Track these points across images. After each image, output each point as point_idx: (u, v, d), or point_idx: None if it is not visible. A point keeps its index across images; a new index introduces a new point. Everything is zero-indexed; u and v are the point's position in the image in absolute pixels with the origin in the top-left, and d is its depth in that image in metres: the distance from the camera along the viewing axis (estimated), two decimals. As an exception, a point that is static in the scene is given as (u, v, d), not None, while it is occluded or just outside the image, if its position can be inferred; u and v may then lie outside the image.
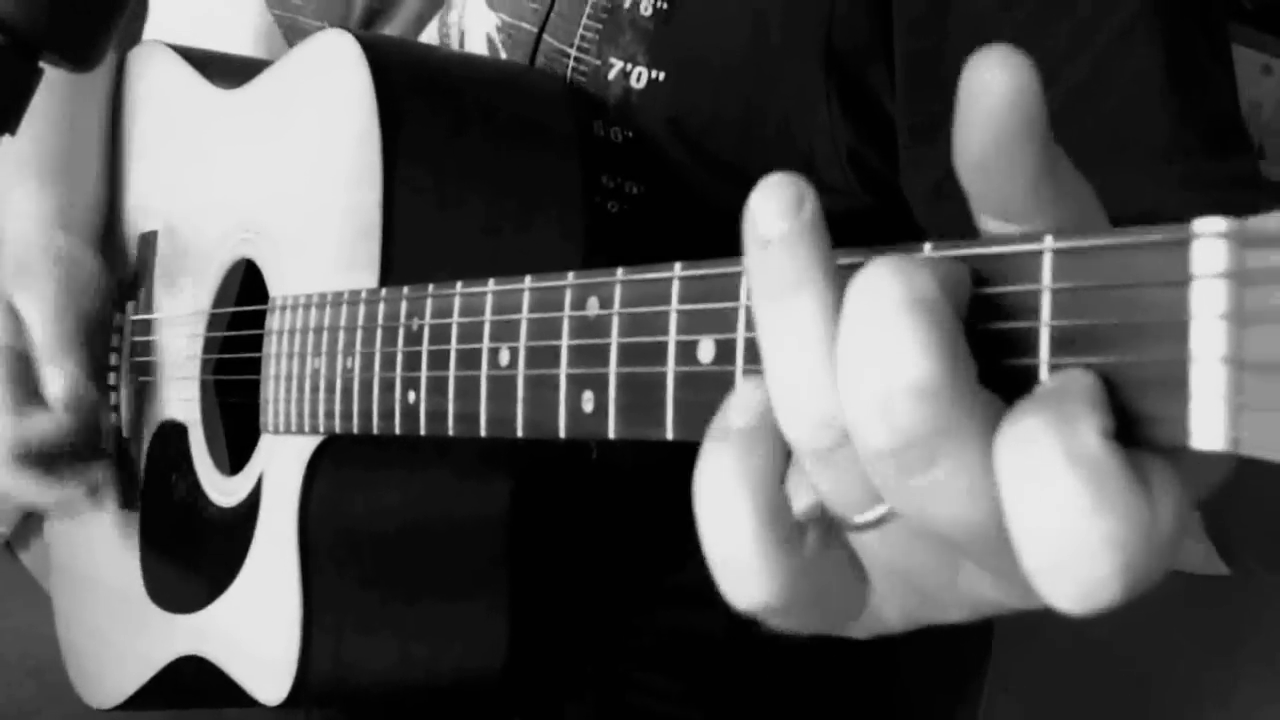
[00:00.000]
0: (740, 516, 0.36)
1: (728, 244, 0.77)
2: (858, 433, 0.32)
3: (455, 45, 0.84)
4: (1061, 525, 0.29)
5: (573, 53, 0.76)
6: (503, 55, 0.81)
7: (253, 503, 0.75)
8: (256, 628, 0.75)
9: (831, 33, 0.70)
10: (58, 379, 0.88)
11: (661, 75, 0.74)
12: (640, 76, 0.74)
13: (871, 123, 0.72)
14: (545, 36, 0.78)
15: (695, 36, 0.73)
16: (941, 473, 0.32)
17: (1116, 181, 0.64)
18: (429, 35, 0.87)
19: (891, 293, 0.32)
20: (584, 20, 0.76)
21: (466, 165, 0.71)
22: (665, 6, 0.74)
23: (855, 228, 0.76)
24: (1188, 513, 0.30)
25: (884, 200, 0.75)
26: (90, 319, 0.91)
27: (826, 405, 0.34)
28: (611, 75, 0.75)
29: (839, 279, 0.34)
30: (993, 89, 0.32)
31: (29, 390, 0.89)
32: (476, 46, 0.83)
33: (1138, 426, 0.31)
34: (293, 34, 0.95)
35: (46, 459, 0.88)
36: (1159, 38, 0.64)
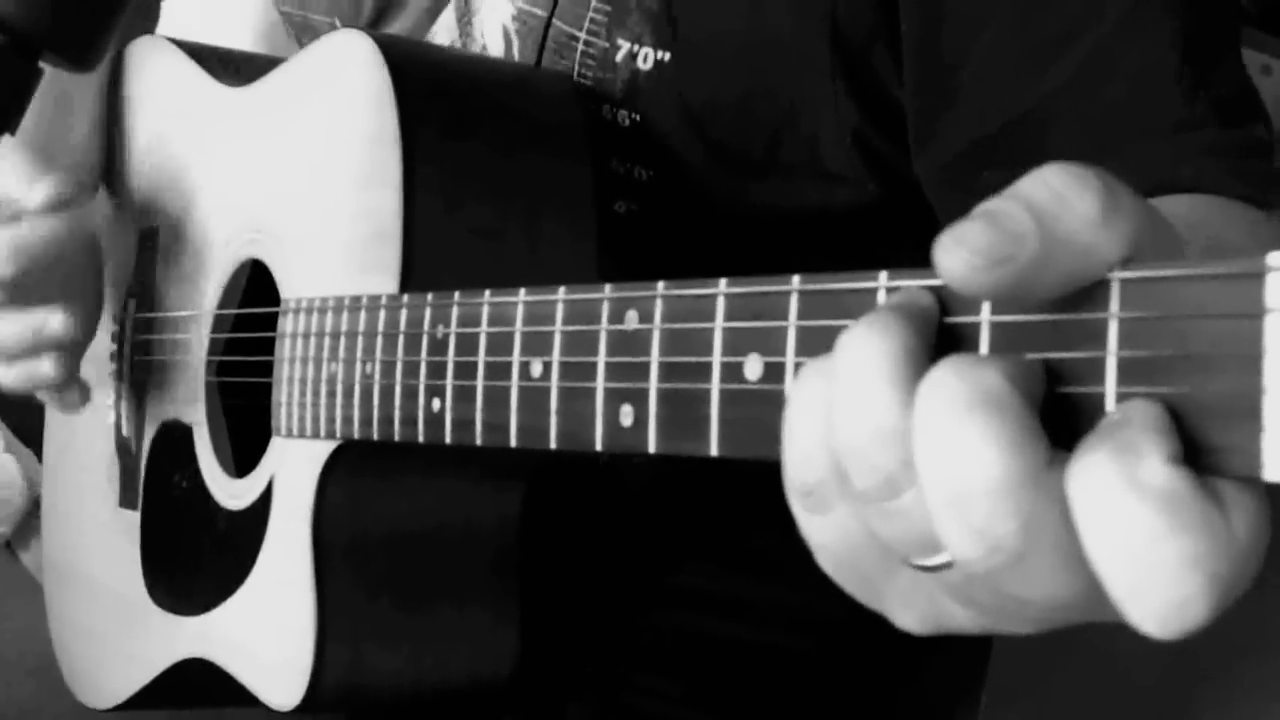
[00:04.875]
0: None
1: (736, 237, 0.77)
2: (942, 532, 0.33)
3: (476, 34, 0.84)
4: (1138, 551, 0.30)
5: (582, 36, 0.76)
6: (516, 44, 0.81)
7: (263, 506, 0.75)
8: (267, 632, 0.74)
9: (837, 12, 0.70)
10: (39, 186, 0.81)
11: (668, 56, 0.74)
12: (647, 57, 0.74)
13: (876, 104, 0.72)
14: (555, 21, 0.78)
15: (701, 16, 0.73)
16: (1031, 561, 0.32)
17: (1131, 154, 0.64)
18: (443, 25, 0.86)
19: (961, 392, 0.32)
20: (592, 4, 0.76)
21: (482, 168, 0.71)
22: None
23: (863, 223, 0.77)
24: (1267, 525, 0.31)
25: (890, 189, 0.75)
26: (66, 156, 0.87)
27: (892, 459, 0.34)
28: (619, 57, 0.75)
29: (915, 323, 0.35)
30: (954, 279, 0.32)
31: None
32: (493, 36, 0.82)
33: (1208, 457, 0.31)
34: (304, 32, 0.94)
35: (29, 281, 0.83)
36: (1169, 12, 0.65)
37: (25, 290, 0.83)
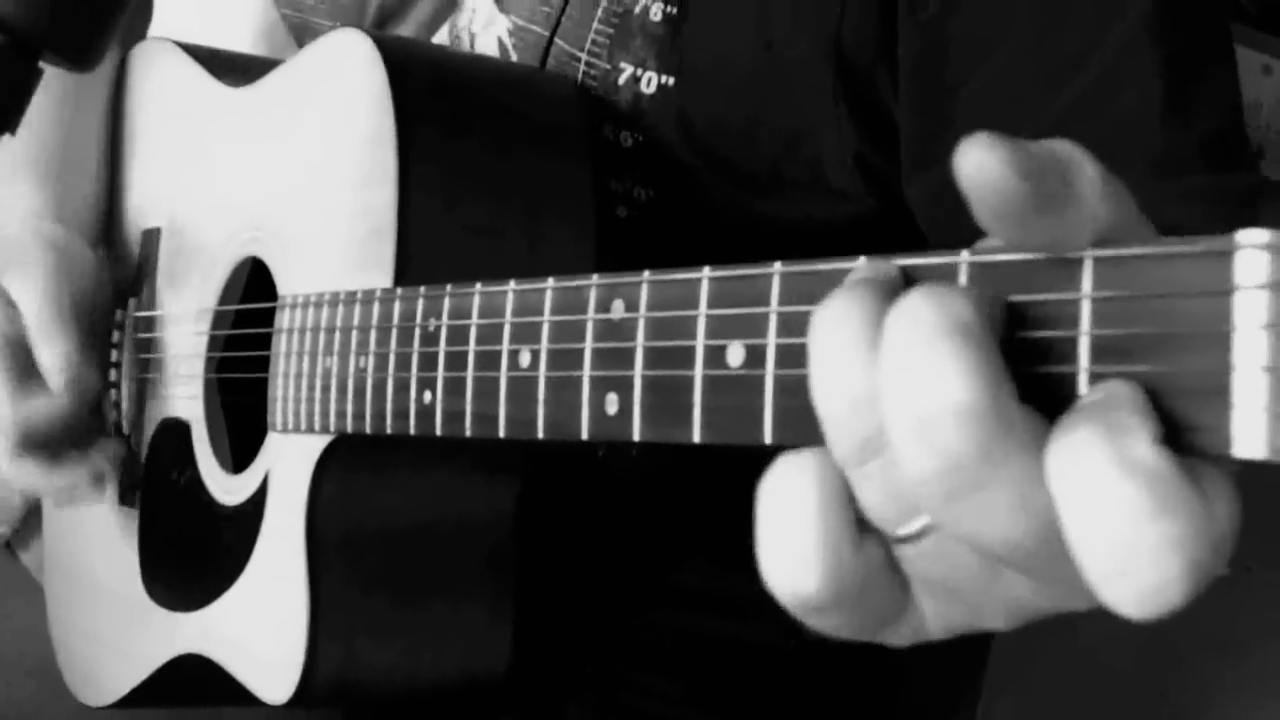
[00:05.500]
0: (804, 504, 0.36)
1: (737, 248, 0.77)
2: (902, 456, 0.33)
3: (467, 49, 0.85)
4: (1123, 532, 0.30)
5: (584, 56, 0.77)
6: (513, 59, 0.81)
7: (258, 501, 0.75)
8: (261, 627, 0.74)
9: (840, 36, 0.70)
10: (53, 358, 0.86)
11: (671, 80, 0.74)
12: (650, 81, 0.75)
13: (877, 125, 0.73)
14: (556, 40, 0.78)
15: (705, 41, 0.74)
16: (987, 493, 0.32)
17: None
18: (440, 40, 0.87)
19: (931, 318, 0.32)
20: (595, 25, 0.76)
21: (480, 167, 0.71)
22: (675, 12, 0.74)
23: (861, 234, 0.77)
24: (1239, 509, 0.31)
25: (889, 204, 0.75)
26: (86, 303, 0.89)
27: (868, 424, 0.34)
28: (622, 80, 0.76)
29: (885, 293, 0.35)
30: (976, 176, 0.32)
31: (28, 376, 0.87)
32: (488, 50, 0.83)
33: (1179, 435, 0.31)
34: (304, 35, 0.94)
35: (50, 445, 0.87)
36: (1161, 52, 0.64)
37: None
